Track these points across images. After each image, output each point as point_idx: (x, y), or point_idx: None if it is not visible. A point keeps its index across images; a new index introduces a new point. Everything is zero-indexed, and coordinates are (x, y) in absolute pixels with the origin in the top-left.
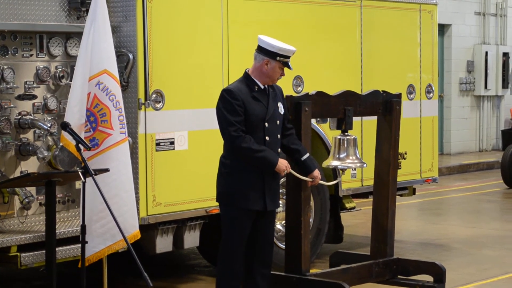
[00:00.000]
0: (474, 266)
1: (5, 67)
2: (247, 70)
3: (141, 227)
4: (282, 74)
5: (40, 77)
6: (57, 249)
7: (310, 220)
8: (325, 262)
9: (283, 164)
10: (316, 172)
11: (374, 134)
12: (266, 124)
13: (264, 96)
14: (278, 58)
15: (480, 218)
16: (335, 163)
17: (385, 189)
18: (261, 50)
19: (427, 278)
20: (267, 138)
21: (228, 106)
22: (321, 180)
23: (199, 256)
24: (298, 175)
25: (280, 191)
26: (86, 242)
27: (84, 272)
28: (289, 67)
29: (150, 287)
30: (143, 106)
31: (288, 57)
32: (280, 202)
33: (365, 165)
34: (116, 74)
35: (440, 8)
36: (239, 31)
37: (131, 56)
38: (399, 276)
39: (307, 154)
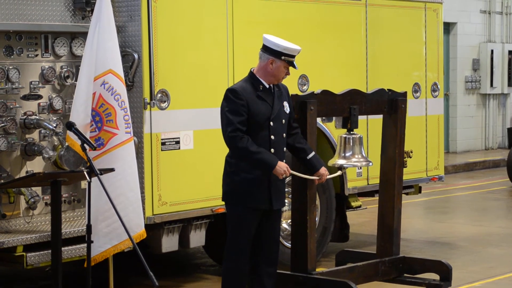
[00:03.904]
0: (480, 264)
1: (10, 67)
2: (252, 70)
3: (147, 226)
4: (287, 73)
5: (45, 77)
6: (63, 248)
7: (316, 219)
8: (331, 260)
9: (281, 167)
10: (323, 170)
11: (379, 132)
12: (271, 123)
13: (269, 95)
14: (283, 57)
15: (486, 216)
16: (340, 161)
17: (391, 188)
18: (266, 49)
19: (433, 276)
20: (272, 137)
21: (231, 106)
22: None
23: (205, 255)
24: (301, 175)
25: (286, 190)
26: (92, 242)
27: (90, 271)
28: (294, 66)
29: (156, 287)
30: (148, 106)
31: (293, 56)
32: (286, 201)
33: (370, 163)
34: (121, 74)
35: (446, 7)
36: (244, 30)
37: (136, 55)
38: (405, 275)
39: (313, 153)
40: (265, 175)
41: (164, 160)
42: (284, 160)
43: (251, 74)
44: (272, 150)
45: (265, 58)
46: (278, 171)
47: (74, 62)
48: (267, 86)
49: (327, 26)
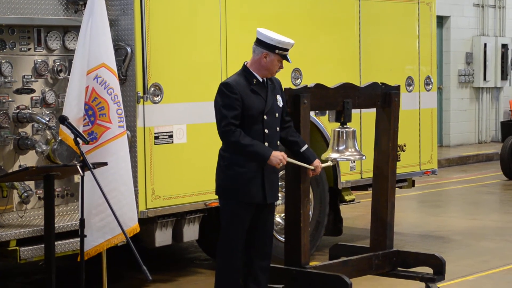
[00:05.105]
0: (473, 258)
1: (3, 61)
2: (245, 63)
3: (140, 220)
4: (281, 67)
5: (38, 71)
6: (56, 243)
7: (310, 212)
8: (324, 254)
9: (276, 157)
10: (317, 162)
11: (373, 126)
12: (265, 117)
13: (262, 89)
14: (276, 51)
15: (480, 210)
16: (334, 155)
17: (384, 181)
18: (259, 43)
19: (427, 270)
20: (266, 131)
21: (225, 100)
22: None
23: (199, 249)
24: (298, 162)
25: (280, 183)
26: (85, 236)
27: (83, 266)
28: (287, 60)
29: (149, 281)
30: (141, 100)
31: (287, 50)
32: (280, 195)
33: (364, 157)
34: (114, 68)
35: (439, 0)
36: (237, 24)
37: (129, 49)
38: (398, 268)
39: (306, 146)
40: (261, 167)
41: (157, 154)
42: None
43: (245, 68)
44: (266, 143)
45: (258, 51)
46: (273, 161)
47: (67, 56)
48: (261, 79)
49: (321, 20)
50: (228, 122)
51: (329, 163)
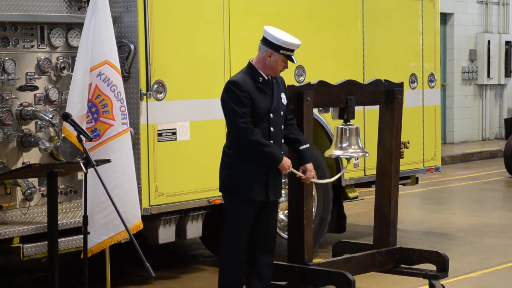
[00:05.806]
0: (477, 255)
1: (6, 58)
2: (251, 61)
3: (144, 217)
4: (286, 67)
5: (42, 68)
6: (59, 240)
7: (313, 209)
8: (328, 251)
9: (286, 162)
10: (310, 166)
11: (376, 123)
12: (271, 115)
13: (268, 87)
14: (281, 51)
15: (483, 207)
16: (337, 152)
17: (388, 179)
18: (265, 41)
19: (430, 267)
20: (271, 129)
21: (235, 98)
22: (320, 179)
23: (202, 247)
24: (296, 172)
25: (283, 181)
26: (89, 233)
27: (87, 263)
28: (292, 60)
29: (153, 278)
30: (144, 97)
31: (292, 50)
32: (283, 192)
33: (367, 154)
34: (118, 65)
35: None
36: (241, 21)
37: (132, 46)
38: (402, 265)
39: (307, 145)
40: (269, 167)
41: (160, 151)
42: (281, 152)
43: (250, 66)
44: (271, 141)
45: (264, 50)
46: (283, 166)
47: (70, 53)
48: (266, 78)
49: (324, 17)
50: (246, 120)
51: (333, 179)
